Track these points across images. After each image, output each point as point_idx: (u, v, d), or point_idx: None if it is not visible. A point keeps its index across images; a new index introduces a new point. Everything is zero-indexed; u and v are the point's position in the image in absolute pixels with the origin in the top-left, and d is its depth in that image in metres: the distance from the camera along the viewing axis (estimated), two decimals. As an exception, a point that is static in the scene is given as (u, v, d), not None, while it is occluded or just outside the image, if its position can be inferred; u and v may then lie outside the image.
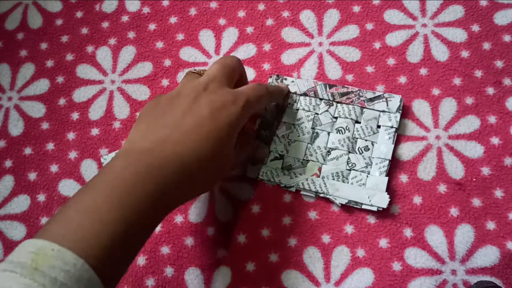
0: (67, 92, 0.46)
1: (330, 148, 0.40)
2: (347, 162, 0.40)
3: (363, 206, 0.38)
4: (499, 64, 0.42)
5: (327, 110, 0.42)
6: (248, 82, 0.39)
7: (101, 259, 0.26)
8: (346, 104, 0.42)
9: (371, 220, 0.39)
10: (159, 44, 0.47)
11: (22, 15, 0.50)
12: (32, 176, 0.44)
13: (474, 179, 0.39)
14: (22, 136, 0.45)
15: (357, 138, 0.41)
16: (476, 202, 0.38)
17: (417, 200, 0.39)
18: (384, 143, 0.40)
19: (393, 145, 0.40)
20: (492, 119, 0.40)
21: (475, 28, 0.44)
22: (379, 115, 0.41)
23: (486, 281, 0.36)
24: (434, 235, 0.38)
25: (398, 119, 0.40)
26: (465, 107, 0.41)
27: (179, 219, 0.41)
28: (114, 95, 0.46)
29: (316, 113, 0.42)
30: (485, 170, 0.39)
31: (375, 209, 0.38)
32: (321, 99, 0.42)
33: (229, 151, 0.34)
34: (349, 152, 0.40)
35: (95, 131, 0.45)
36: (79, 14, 0.50)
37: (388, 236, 0.38)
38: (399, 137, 0.41)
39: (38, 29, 0.50)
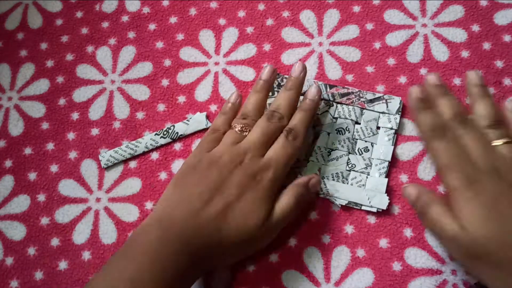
0: (67, 92, 0.46)
1: (330, 149, 0.40)
2: (347, 163, 0.40)
3: (363, 207, 0.38)
4: (499, 64, 0.42)
5: (327, 111, 0.42)
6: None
7: None
8: (346, 104, 0.42)
9: (371, 220, 0.39)
10: (159, 44, 0.47)
11: (22, 15, 0.50)
12: (32, 176, 0.44)
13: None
14: (22, 136, 0.45)
15: (357, 139, 0.41)
16: (476, 202, 0.38)
17: (417, 200, 0.39)
18: (384, 144, 0.40)
19: (392, 147, 0.40)
20: (492, 119, 0.40)
21: (475, 28, 0.44)
22: (379, 117, 0.41)
23: (486, 281, 0.36)
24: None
25: (398, 120, 0.40)
26: (465, 107, 0.41)
27: (179, 219, 0.41)
28: (114, 95, 0.46)
29: (316, 113, 0.41)
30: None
31: (374, 210, 0.38)
32: (321, 99, 0.42)
33: (256, 227, 0.35)
34: (349, 153, 0.40)
35: (95, 131, 0.45)
36: (79, 14, 0.50)
37: (388, 236, 0.38)
38: (400, 137, 0.41)
39: (38, 29, 0.50)
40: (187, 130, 0.43)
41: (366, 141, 0.40)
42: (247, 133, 0.38)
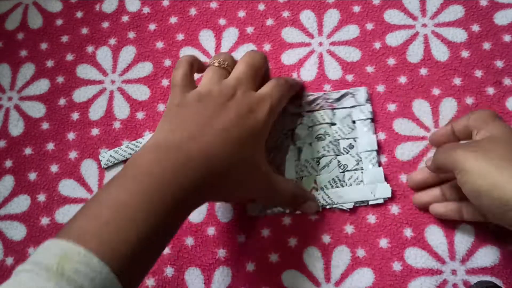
0: (67, 92, 0.46)
1: (317, 158, 0.40)
2: (338, 165, 0.40)
3: (370, 202, 0.39)
4: (499, 64, 0.42)
5: (301, 123, 0.42)
6: (271, 76, 0.39)
7: (125, 266, 0.26)
8: (317, 110, 0.42)
9: (371, 220, 0.39)
10: (159, 44, 0.47)
11: (22, 15, 0.50)
12: (32, 176, 0.44)
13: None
14: (22, 136, 0.45)
15: (338, 140, 0.41)
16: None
17: (417, 200, 0.39)
18: (365, 135, 0.40)
19: (374, 135, 0.40)
20: (492, 119, 0.40)
21: (475, 28, 0.44)
22: (351, 111, 0.41)
23: (486, 281, 0.36)
24: (434, 235, 0.38)
25: (370, 109, 0.41)
26: (465, 107, 0.41)
27: (179, 219, 0.41)
28: (114, 95, 0.46)
29: (291, 129, 0.42)
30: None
31: (382, 201, 0.38)
32: (292, 114, 0.42)
33: (253, 160, 0.34)
34: (336, 155, 0.40)
35: (95, 131, 0.45)
36: (79, 14, 0.50)
37: (388, 236, 0.38)
38: (400, 136, 0.41)
39: (38, 29, 0.50)
40: None
41: (348, 139, 0.41)
42: (226, 66, 0.36)
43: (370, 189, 0.39)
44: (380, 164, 0.40)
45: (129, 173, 0.30)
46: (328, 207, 0.39)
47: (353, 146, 0.40)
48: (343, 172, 0.40)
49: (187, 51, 0.46)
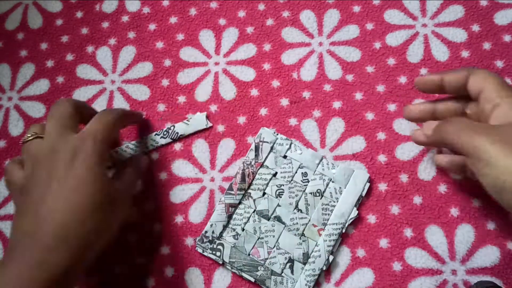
0: (67, 92, 0.46)
1: (296, 202, 0.39)
2: (314, 195, 0.39)
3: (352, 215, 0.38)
4: (499, 64, 0.42)
5: (254, 200, 0.40)
6: (95, 112, 0.38)
7: None
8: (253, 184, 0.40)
9: (371, 220, 0.39)
10: (159, 44, 0.47)
11: (22, 15, 0.50)
12: (32, 176, 0.44)
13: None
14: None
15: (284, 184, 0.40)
16: (477, 202, 0.38)
17: (417, 200, 0.39)
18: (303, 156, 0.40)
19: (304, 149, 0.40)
20: (492, 119, 0.40)
21: (475, 28, 0.44)
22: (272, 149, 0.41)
23: (486, 281, 0.36)
24: (435, 235, 0.38)
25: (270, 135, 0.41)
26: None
27: (179, 219, 0.41)
28: (114, 95, 0.46)
29: (253, 211, 0.40)
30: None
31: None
32: (239, 203, 0.40)
33: (100, 195, 0.33)
34: (303, 191, 0.40)
35: (95, 131, 0.45)
36: (79, 14, 0.50)
37: (388, 236, 0.38)
38: (400, 136, 0.41)
39: (38, 29, 0.50)
40: (187, 130, 0.43)
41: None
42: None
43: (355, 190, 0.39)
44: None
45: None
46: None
47: (306, 173, 0.40)
48: (321, 196, 0.39)
49: (187, 51, 0.46)
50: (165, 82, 0.46)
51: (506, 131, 0.29)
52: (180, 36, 0.47)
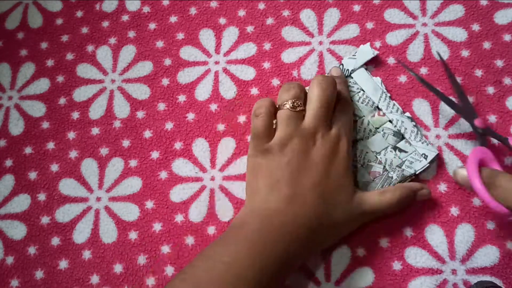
0: (67, 91, 0.47)
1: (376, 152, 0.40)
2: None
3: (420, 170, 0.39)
4: (499, 63, 0.42)
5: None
6: (343, 95, 0.40)
7: None
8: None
9: (371, 219, 0.39)
10: (159, 44, 0.47)
11: (22, 15, 0.50)
12: (33, 175, 0.44)
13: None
14: (22, 136, 0.45)
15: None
16: (477, 201, 0.38)
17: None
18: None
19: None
20: (492, 119, 0.40)
21: (475, 27, 0.44)
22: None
23: (486, 281, 0.36)
24: (435, 235, 0.38)
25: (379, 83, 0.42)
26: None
27: (179, 218, 0.41)
28: (114, 94, 0.46)
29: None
30: (486, 170, 0.39)
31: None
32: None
33: (346, 202, 0.35)
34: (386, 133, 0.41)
35: (95, 131, 0.45)
36: (79, 14, 0.50)
37: (388, 235, 0.38)
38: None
39: (38, 28, 0.50)
40: (356, 63, 0.43)
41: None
42: (300, 108, 0.37)
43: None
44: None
45: (239, 235, 0.33)
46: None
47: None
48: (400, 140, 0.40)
49: (187, 50, 0.46)
50: (165, 81, 0.46)
51: None
52: (180, 35, 0.47)
